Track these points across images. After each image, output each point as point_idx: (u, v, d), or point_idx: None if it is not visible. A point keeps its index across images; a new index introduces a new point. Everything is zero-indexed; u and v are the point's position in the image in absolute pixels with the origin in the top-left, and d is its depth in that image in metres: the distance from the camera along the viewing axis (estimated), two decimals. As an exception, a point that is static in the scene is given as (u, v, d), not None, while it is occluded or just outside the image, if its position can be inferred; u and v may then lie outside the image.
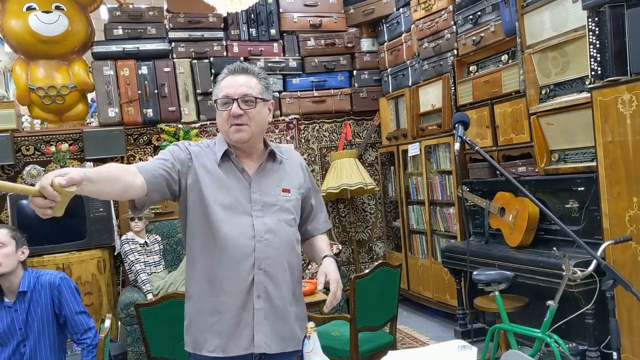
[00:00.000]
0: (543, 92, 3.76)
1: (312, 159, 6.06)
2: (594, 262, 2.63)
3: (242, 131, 1.87)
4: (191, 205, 1.89)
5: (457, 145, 2.18)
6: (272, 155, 1.99)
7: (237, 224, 1.86)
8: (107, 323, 2.66)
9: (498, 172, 4.20)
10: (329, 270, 1.93)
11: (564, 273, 2.73)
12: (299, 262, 2.00)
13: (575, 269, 2.75)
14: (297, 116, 5.93)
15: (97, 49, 5.31)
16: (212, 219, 1.85)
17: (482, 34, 4.42)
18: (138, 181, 1.72)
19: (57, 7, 5.05)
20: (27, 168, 4.84)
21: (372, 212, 6.24)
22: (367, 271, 3.36)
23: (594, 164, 3.28)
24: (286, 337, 1.89)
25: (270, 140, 2.07)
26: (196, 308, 1.90)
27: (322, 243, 2.11)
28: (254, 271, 1.85)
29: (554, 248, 2.93)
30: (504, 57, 4.29)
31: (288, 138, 5.90)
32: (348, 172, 5.59)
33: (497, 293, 3.24)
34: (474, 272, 3.31)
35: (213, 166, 1.91)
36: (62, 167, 4.89)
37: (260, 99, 1.90)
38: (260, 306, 1.85)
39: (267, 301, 1.86)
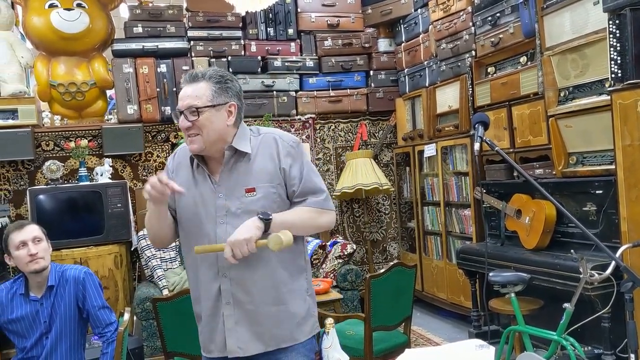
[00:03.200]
0: (562, 94, 3.75)
1: (328, 158, 6.08)
2: (612, 265, 2.62)
3: (194, 142, 1.87)
4: (178, 216, 1.99)
5: (477, 146, 2.18)
6: (237, 152, 1.91)
7: (202, 233, 1.90)
8: (126, 316, 2.70)
9: (515, 174, 4.21)
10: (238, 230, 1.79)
11: (581, 276, 2.72)
12: (289, 259, 1.93)
13: (592, 271, 2.74)
14: (313, 115, 5.95)
15: (117, 46, 5.37)
16: (185, 229, 1.95)
17: (501, 36, 4.40)
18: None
19: (79, 5, 5.11)
20: (47, 163, 4.91)
21: (386, 212, 6.24)
22: (382, 270, 3.37)
23: (612, 167, 3.26)
24: (265, 338, 1.89)
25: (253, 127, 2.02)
26: (194, 313, 2.03)
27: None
28: (220, 279, 1.88)
29: (572, 250, 2.92)
30: (523, 59, 4.27)
31: (304, 137, 5.92)
32: (363, 172, 5.59)
33: (512, 295, 3.24)
34: (490, 274, 3.30)
35: (189, 173, 1.97)
36: (81, 162, 4.94)
37: (208, 106, 1.85)
38: (229, 312, 1.88)
39: (237, 307, 1.88)
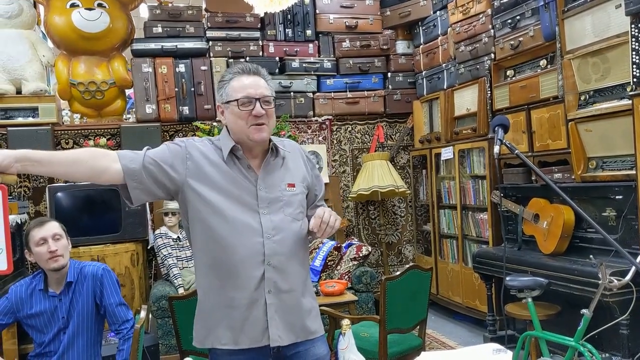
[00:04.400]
0: (582, 98, 3.71)
1: (344, 160, 6.08)
2: (632, 271, 2.60)
3: (263, 131, 1.91)
4: (193, 202, 1.91)
5: (496, 149, 2.16)
6: (274, 150, 2.01)
7: (244, 222, 1.89)
8: (143, 314, 2.72)
9: (534, 177, 4.17)
10: (322, 210, 1.93)
11: (600, 282, 2.69)
12: (307, 254, 2.10)
13: (612, 277, 2.71)
14: (330, 117, 5.95)
15: (137, 46, 5.42)
16: (219, 216, 1.88)
17: (521, 39, 4.37)
18: (115, 166, 1.81)
19: (100, 5, 5.16)
20: (66, 161, 4.96)
21: (402, 215, 6.22)
22: (398, 273, 3.36)
23: (633, 172, 3.23)
24: (296, 329, 1.94)
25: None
26: (207, 303, 1.96)
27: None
28: (264, 267, 1.89)
29: (591, 256, 2.89)
30: (543, 62, 4.24)
31: (320, 138, 5.93)
32: (379, 174, 5.58)
33: (529, 300, 3.21)
34: (507, 278, 3.28)
35: (219, 163, 1.93)
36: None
37: (274, 99, 1.98)
38: (271, 301, 1.90)
39: (277, 296, 1.90)
